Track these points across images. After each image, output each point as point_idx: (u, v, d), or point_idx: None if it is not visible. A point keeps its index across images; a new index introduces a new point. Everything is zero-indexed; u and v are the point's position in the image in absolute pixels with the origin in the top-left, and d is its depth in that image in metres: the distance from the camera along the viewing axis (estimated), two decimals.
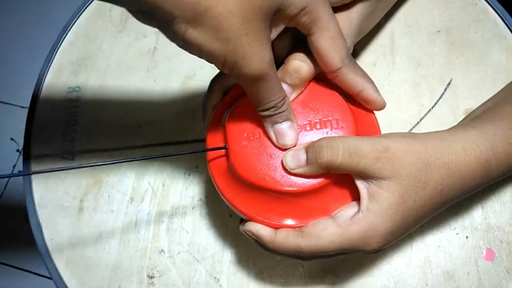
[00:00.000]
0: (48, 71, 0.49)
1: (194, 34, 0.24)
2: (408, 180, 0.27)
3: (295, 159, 0.28)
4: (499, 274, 0.37)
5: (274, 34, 0.28)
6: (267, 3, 0.25)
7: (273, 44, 0.33)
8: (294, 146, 0.30)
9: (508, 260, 0.37)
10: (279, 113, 0.29)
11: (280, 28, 0.28)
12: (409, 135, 0.29)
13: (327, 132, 0.30)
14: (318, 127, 0.30)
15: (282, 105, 0.29)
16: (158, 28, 0.27)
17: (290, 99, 0.31)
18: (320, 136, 0.30)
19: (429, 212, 0.29)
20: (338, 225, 0.28)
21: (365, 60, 0.45)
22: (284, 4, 0.26)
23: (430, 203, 0.28)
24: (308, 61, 0.30)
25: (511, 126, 0.31)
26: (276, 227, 0.30)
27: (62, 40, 0.51)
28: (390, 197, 0.27)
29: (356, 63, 0.31)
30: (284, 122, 0.29)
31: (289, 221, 0.30)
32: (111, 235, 0.41)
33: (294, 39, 0.32)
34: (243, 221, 0.32)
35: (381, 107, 0.32)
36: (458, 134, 0.30)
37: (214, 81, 0.34)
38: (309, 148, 0.28)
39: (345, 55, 0.30)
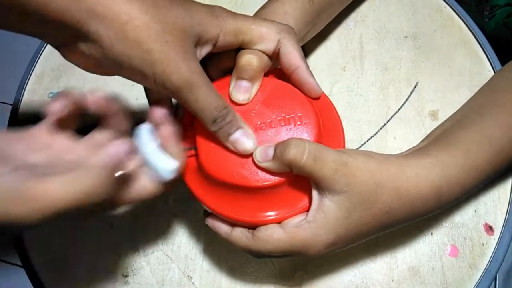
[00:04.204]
0: (29, 77, 0.51)
1: (121, 48, 0.26)
2: (357, 197, 0.29)
3: (263, 153, 0.30)
4: (462, 270, 0.38)
5: (200, 55, 0.30)
6: (182, 21, 0.27)
7: (222, 57, 0.34)
8: (253, 151, 0.30)
9: (471, 256, 0.39)
10: (227, 123, 0.30)
11: (206, 49, 0.30)
12: (368, 154, 0.31)
13: (291, 128, 0.31)
14: (282, 124, 0.32)
15: (227, 114, 0.30)
16: (82, 60, 0.29)
17: (252, 93, 0.32)
18: (284, 133, 0.31)
19: (373, 229, 0.31)
20: (285, 231, 0.29)
21: (335, 64, 0.47)
22: (202, 27, 0.29)
23: (376, 222, 0.30)
24: (255, 51, 0.32)
25: (464, 153, 0.33)
26: (240, 221, 0.31)
27: (44, 48, 0.52)
28: (338, 212, 0.29)
29: (295, 43, 0.33)
30: (236, 131, 0.30)
31: (255, 213, 0.31)
32: (87, 236, 0.42)
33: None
34: (206, 214, 0.33)
35: (315, 89, 0.33)
36: (413, 160, 0.32)
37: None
38: (278, 145, 0.29)
39: (280, 28, 0.32)
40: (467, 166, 0.33)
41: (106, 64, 0.28)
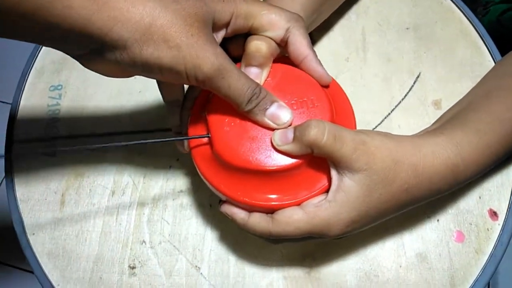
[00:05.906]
0: (30, 70, 0.50)
1: (149, 50, 0.26)
2: (377, 175, 0.29)
3: (283, 136, 0.30)
4: (468, 255, 0.39)
5: (218, 41, 0.30)
6: (201, 11, 0.28)
7: (231, 45, 0.34)
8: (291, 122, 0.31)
9: (477, 241, 0.39)
10: (262, 99, 0.30)
11: (221, 34, 0.31)
12: (384, 134, 0.31)
13: (305, 111, 0.31)
14: (295, 107, 0.32)
15: (260, 91, 0.30)
16: (106, 68, 0.28)
17: (262, 79, 0.32)
18: (298, 116, 0.31)
19: (393, 208, 0.31)
20: (305, 212, 0.29)
21: (339, 55, 0.47)
22: (217, 14, 0.29)
23: (395, 200, 0.30)
24: (264, 38, 0.32)
25: (476, 132, 0.34)
26: (258, 206, 0.31)
27: None
28: (359, 190, 0.29)
29: (304, 31, 0.33)
30: (272, 105, 0.30)
31: (273, 197, 0.31)
32: (92, 227, 0.42)
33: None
34: (220, 202, 0.33)
35: (324, 76, 0.33)
36: (429, 139, 0.32)
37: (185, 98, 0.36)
38: (297, 127, 0.29)
39: (289, 17, 0.32)
40: (480, 145, 0.33)
41: (134, 68, 0.28)
